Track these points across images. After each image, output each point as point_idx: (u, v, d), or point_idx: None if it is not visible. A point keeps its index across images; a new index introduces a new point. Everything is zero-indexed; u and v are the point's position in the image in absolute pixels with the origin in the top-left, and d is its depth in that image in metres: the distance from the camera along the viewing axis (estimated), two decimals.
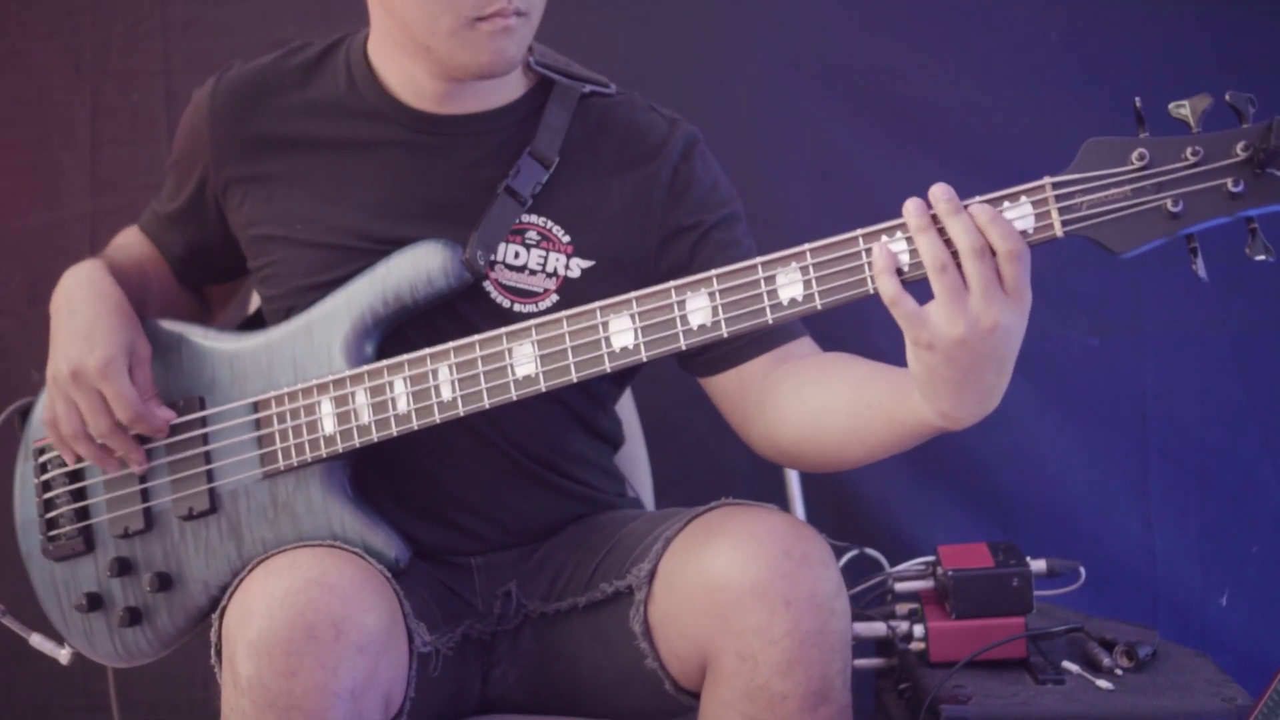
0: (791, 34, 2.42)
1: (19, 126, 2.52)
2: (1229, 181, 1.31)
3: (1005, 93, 2.38)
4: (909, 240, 1.39)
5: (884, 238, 1.41)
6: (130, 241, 1.94)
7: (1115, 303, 2.40)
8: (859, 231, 1.43)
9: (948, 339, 1.37)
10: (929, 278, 1.38)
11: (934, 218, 1.38)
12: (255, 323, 1.90)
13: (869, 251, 1.41)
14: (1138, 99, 1.35)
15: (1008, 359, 1.40)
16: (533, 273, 1.72)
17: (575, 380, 1.55)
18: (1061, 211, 1.36)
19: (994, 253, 1.36)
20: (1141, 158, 1.34)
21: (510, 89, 1.77)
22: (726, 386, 1.72)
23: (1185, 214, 1.33)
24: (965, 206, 1.38)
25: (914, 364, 1.42)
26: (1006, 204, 1.38)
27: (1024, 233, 1.37)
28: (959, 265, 1.37)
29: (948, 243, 1.37)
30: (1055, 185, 1.36)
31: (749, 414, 1.70)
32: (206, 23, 2.47)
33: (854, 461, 1.60)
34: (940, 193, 1.39)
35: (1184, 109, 1.34)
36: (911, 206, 1.39)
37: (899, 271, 1.40)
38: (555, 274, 1.72)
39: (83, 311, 1.71)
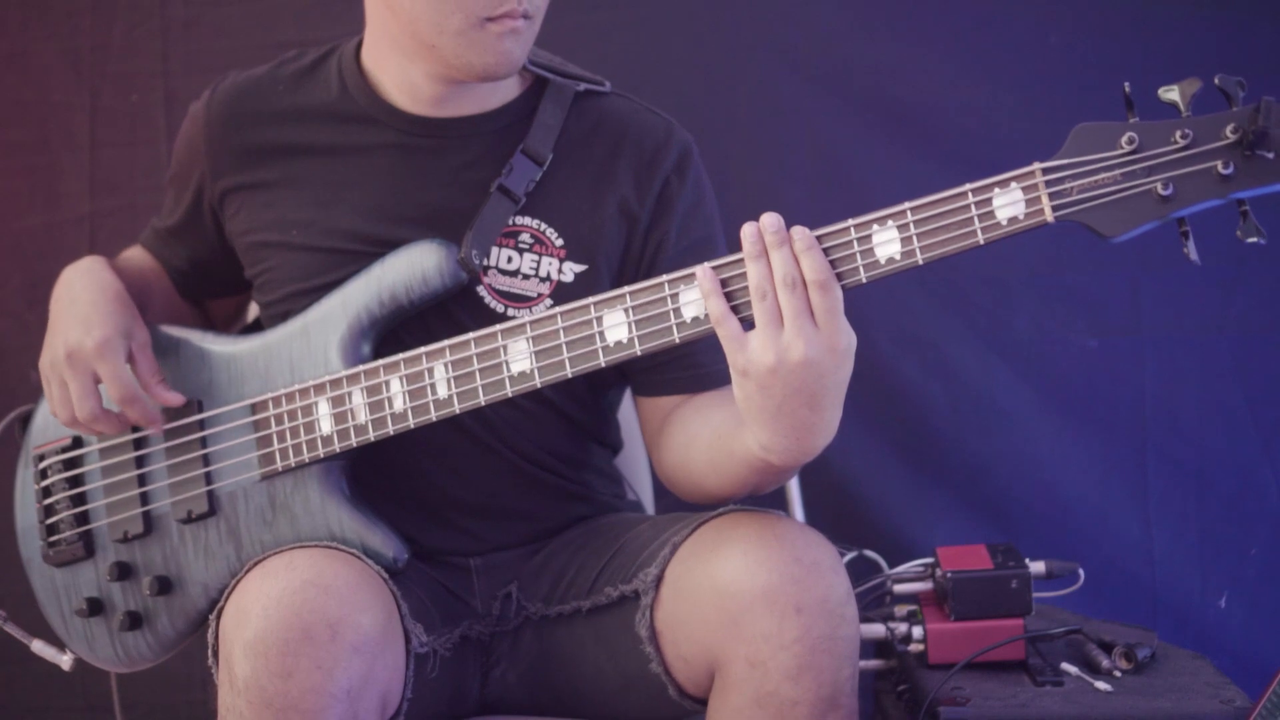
0: (791, 35, 2.42)
1: (18, 128, 2.52)
2: (1219, 164, 1.32)
3: (1004, 94, 2.39)
4: (900, 229, 1.40)
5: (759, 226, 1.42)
6: (133, 255, 1.95)
7: (1114, 304, 2.39)
8: (850, 222, 1.43)
9: (760, 366, 1.41)
10: (752, 304, 1.41)
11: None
12: (254, 329, 1.90)
13: (861, 241, 1.42)
14: (1126, 84, 1.35)
15: (819, 396, 1.42)
16: (526, 277, 1.72)
17: (570, 375, 1.55)
18: (1052, 197, 1.37)
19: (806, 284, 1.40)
20: (1131, 141, 1.34)
21: (505, 91, 1.77)
22: (649, 409, 1.78)
23: (1176, 197, 1.33)
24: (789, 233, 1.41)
25: (736, 390, 1.46)
26: (997, 190, 1.38)
27: (1014, 219, 1.38)
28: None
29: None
30: (1045, 170, 1.37)
31: (651, 438, 1.78)
32: (206, 24, 2.48)
33: (717, 492, 1.63)
34: (769, 223, 1.42)
35: (1173, 93, 1.34)
36: (748, 232, 1.43)
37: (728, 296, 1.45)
38: (548, 278, 1.72)
39: (82, 299, 1.72)
